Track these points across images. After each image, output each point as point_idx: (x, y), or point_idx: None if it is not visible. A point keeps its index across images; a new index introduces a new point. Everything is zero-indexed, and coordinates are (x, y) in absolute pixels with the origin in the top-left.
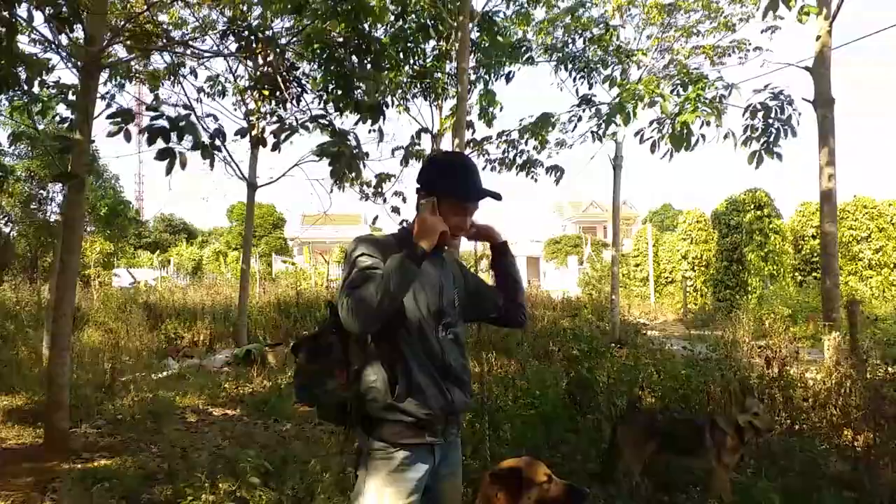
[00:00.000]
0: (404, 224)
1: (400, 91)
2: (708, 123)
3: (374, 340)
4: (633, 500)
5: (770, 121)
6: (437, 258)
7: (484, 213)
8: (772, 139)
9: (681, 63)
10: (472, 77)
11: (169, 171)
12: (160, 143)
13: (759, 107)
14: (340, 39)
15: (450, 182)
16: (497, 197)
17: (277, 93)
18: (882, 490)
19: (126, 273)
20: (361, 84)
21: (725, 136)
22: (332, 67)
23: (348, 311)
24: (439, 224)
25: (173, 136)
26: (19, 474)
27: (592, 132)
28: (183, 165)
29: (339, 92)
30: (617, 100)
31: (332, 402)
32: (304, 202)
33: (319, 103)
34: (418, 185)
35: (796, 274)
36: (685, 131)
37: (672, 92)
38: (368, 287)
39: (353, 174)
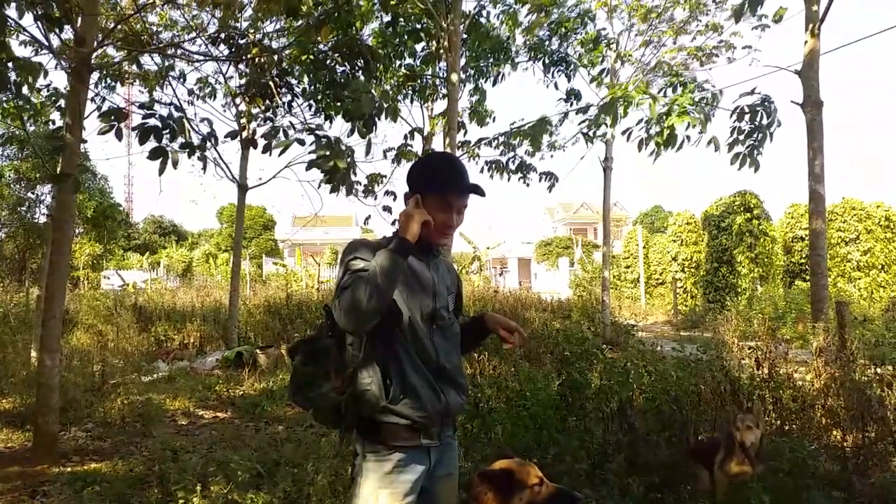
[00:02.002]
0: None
1: (390, 93)
2: (694, 126)
3: (369, 343)
4: (624, 501)
5: (756, 123)
6: (431, 261)
7: (476, 215)
8: (757, 142)
9: (668, 65)
10: (463, 76)
11: (162, 170)
12: (152, 143)
13: (746, 109)
14: (330, 45)
15: (432, 179)
16: (481, 193)
17: (268, 99)
18: (871, 490)
19: (115, 275)
20: (353, 96)
21: (709, 143)
22: (321, 74)
23: (341, 311)
24: (421, 215)
25: (165, 135)
26: (8, 478)
27: (583, 133)
28: (175, 164)
29: (329, 100)
30: (607, 99)
31: (327, 405)
32: (294, 203)
33: (310, 109)
34: (406, 190)
35: (785, 275)
36: (671, 134)
37: (660, 92)
38: (359, 285)
39: (346, 185)
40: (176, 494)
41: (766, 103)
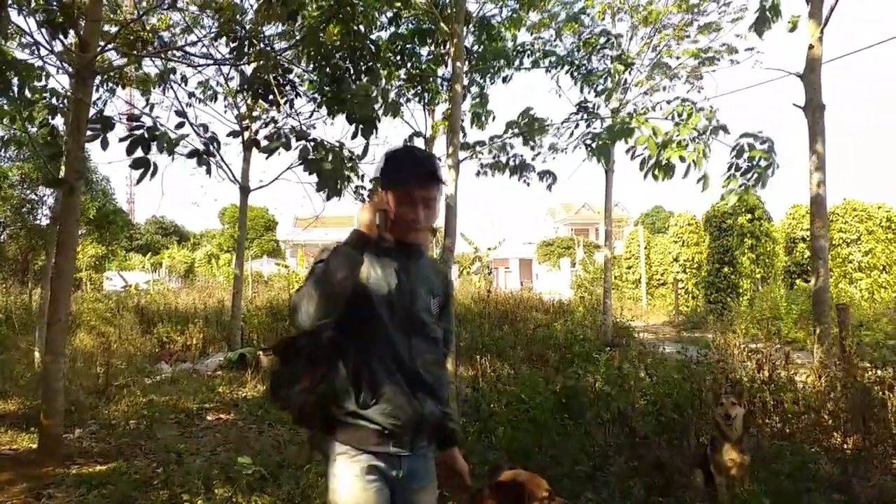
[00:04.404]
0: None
1: (393, 95)
2: (692, 160)
3: (342, 345)
4: (624, 503)
5: (754, 164)
6: (413, 263)
7: (477, 216)
8: (752, 182)
9: (669, 66)
10: (465, 81)
11: (140, 180)
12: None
13: (746, 148)
14: (336, 42)
15: (391, 173)
16: (438, 179)
17: (271, 97)
18: (871, 493)
19: (117, 276)
20: (354, 99)
21: (699, 181)
22: (326, 69)
23: (292, 308)
24: (375, 205)
25: (153, 145)
26: (14, 481)
27: (586, 144)
28: (153, 175)
29: (332, 95)
30: (604, 132)
31: (296, 405)
32: (297, 204)
33: (314, 105)
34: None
35: (787, 276)
36: (668, 165)
37: (666, 116)
38: (309, 283)
39: (341, 184)
40: (181, 497)
41: (765, 146)
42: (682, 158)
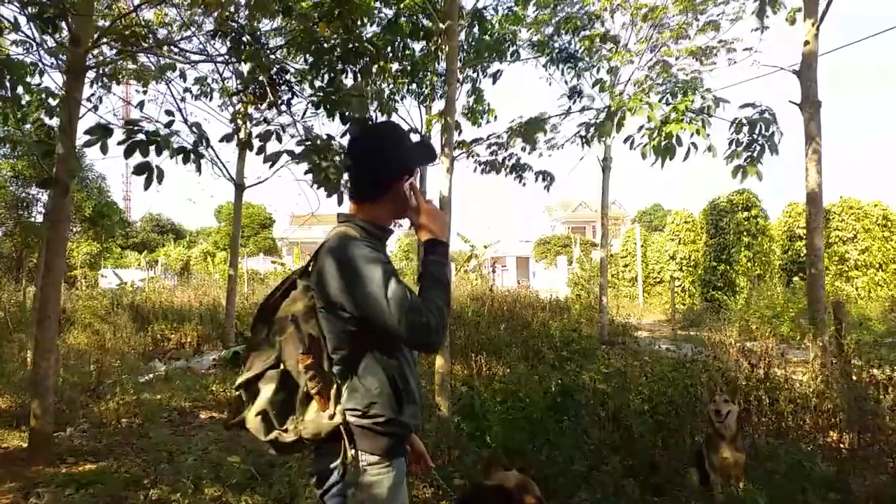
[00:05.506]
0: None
1: (388, 92)
2: (697, 133)
3: (369, 352)
4: (619, 502)
5: (755, 136)
6: None
7: (475, 213)
8: (756, 154)
9: (668, 67)
10: (460, 77)
11: (147, 186)
12: (139, 155)
13: (745, 121)
14: (330, 38)
15: (417, 150)
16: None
17: (268, 99)
18: (867, 492)
19: (112, 274)
20: (345, 100)
21: (708, 149)
22: (321, 67)
23: (433, 330)
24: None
25: (152, 149)
26: (3, 479)
27: (581, 136)
28: (160, 179)
29: (326, 94)
30: (604, 113)
31: (321, 433)
32: (293, 201)
33: (311, 106)
34: (402, 174)
35: (784, 274)
36: (670, 142)
37: (661, 100)
38: (436, 299)
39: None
40: (170, 497)
41: (765, 115)
42: (680, 138)
